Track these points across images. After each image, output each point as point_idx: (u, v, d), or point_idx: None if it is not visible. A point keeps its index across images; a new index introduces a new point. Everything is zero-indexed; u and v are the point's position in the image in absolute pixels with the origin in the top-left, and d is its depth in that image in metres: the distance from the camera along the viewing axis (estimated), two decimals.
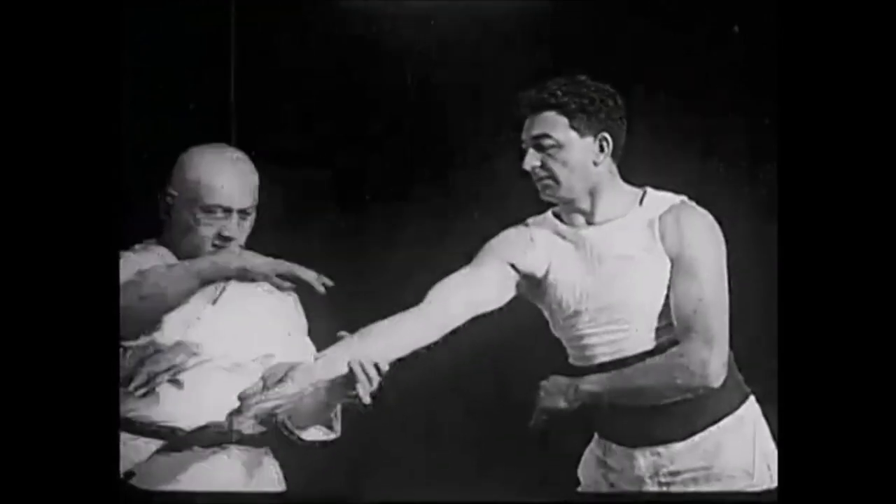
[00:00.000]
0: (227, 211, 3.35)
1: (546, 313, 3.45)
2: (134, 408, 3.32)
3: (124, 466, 3.30)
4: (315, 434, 3.40)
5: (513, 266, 3.41)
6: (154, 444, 3.33)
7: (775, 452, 3.30)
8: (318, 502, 3.42)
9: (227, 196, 3.34)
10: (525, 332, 3.54)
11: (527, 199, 3.49)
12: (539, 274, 3.42)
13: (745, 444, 3.34)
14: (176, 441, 3.32)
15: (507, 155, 3.64)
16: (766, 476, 3.34)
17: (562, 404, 3.38)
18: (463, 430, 3.87)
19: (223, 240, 3.35)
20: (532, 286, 3.43)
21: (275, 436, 3.38)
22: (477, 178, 3.88)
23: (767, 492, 3.31)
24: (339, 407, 3.36)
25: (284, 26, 3.85)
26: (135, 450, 3.32)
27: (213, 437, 3.33)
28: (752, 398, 3.38)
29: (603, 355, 3.38)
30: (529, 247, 3.43)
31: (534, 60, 3.79)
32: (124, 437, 3.30)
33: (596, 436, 3.46)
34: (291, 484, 3.47)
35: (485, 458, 3.81)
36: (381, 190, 3.88)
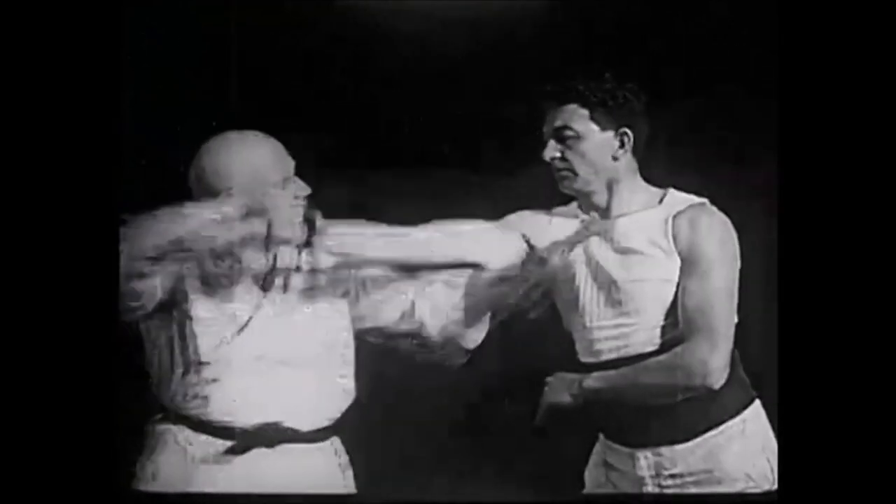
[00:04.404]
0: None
1: (558, 304, 3.46)
2: (190, 406, 3.27)
3: (189, 465, 3.27)
4: (473, 336, 3.39)
5: (524, 238, 3.39)
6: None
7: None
8: (320, 501, 3.41)
9: (291, 166, 3.31)
10: (534, 329, 3.54)
11: (529, 198, 3.49)
12: (552, 257, 3.40)
13: (748, 448, 3.34)
14: (233, 440, 3.27)
15: (509, 154, 3.64)
16: (768, 480, 3.33)
17: (566, 400, 3.38)
18: (467, 427, 3.87)
19: (298, 199, 3.32)
20: (542, 269, 3.39)
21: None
22: (477, 177, 3.88)
23: (768, 493, 3.31)
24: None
25: (284, 26, 3.85)
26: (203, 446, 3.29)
27: (268, 436, 3.28)
28: (757, 402, 3.38)
29: (609, 351, 3.38)
30: (546, 227, 3.43)
31: (535, 59, 3.80)
32: (187, 433, 3.28)
33: (601, 437, 3.46)
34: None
35: (489, 456, 3.82)
36: (380, 190, 3.88)
